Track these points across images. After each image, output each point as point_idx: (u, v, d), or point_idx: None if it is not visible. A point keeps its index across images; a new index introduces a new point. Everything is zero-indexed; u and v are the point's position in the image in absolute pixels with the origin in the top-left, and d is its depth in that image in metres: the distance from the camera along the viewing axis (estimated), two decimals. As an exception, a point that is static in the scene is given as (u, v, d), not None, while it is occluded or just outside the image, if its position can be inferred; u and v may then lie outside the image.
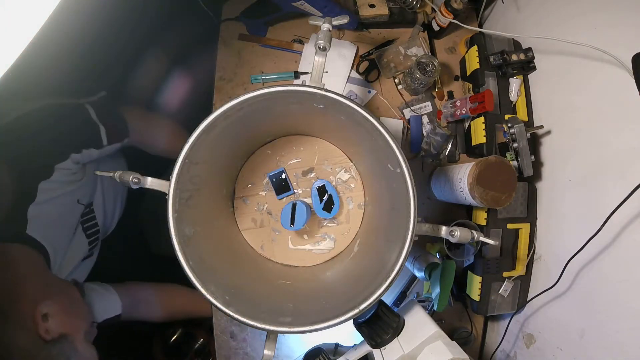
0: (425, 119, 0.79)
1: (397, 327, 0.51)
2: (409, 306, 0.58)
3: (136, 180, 0.43)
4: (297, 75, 0.80)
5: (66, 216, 0.67)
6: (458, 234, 0.44)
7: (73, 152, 0.63)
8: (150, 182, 0.43)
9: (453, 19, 0.73)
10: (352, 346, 0.67)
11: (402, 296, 0.79)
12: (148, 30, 0.85)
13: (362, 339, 0.54)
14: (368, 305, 0.44)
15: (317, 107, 0.49)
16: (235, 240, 0.65)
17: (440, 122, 0.79)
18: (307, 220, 0.60)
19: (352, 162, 0.67)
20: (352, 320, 0.45)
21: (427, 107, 0.79)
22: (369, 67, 0.81)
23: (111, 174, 0.44)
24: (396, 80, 0.81)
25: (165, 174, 0.44)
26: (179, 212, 0.45)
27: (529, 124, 0.72)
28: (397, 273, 0.45)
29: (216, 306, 0.44)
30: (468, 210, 0.77)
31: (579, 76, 0.63)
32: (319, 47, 0.47)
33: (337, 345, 0.68)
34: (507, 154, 0.70)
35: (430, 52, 0.82)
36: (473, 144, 0.74)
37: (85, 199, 0.71)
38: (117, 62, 0.84)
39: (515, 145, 0.68)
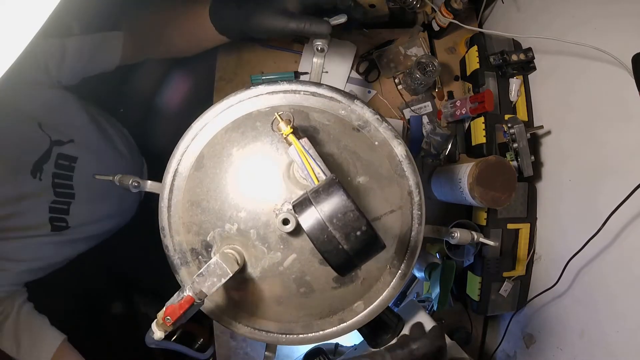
0: (425, 119, 0.79)
1: (397, 327, 0.51)
2: (409, 306, 0.58)
3: (135, 184, 0.42)
4: (297, 75, 0.79)
5: (10, 131, 0.52)
6: (458, 236, 0.45)
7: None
8: (150, 186, 0.43)
9: (453, 19, 0.72)
10: (352, 346, 0.68)
11: (402, 296, 0.79)
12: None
13: (362, 339, 0.55)
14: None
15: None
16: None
17: (440, 122, 0.79)
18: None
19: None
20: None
21: (427, 107, 0.79)
22: (369, 67, 0.81)
23: (110, 178, 0.43)
24: (396, 80, 0.81)
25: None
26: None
27: (529, 124, 0.72)
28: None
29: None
30: (468, 210, 0.77)
31: (579, 76, 0.63)
32: (317, 49, 0.47)
33: (337, 345, 0.68)
34: (507, 154, 0.70)
35: (430, 52, 0.82)
36: (473, 144, 0.74)
37: (56, 134, 0.58)
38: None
39: (515, 145, 0.68)
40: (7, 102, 0.52)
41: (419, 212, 0.42)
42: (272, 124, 0.40)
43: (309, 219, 0.26)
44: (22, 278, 0.60)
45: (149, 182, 0.43)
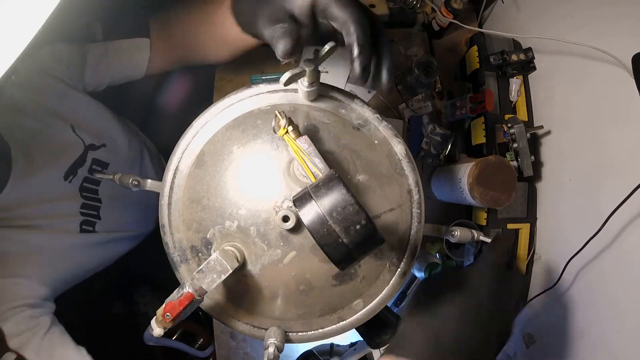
0: (425, 119, 0.79)
1: (396, 327, 0.51)
2: (409, 306, 0.58)
3: (136, 183, 0.42)
4: (297, 75, 0.80)
5: (45, 132, 0.52)
6: (458, 234, 0.44)
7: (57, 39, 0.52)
8: (150, 185, 0.43)
9: (453, 19, 0.73)
10: (348, 344, 0.68)
11: (402, 296, 0.79)
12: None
13: (359, 338, 0.55)
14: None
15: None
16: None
17: (440, 122, 0.79)
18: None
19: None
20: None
21: (427, 107, 0.79)
22: (369, 67, 0.81)
23: (111, 177, 0.42)
24: (396, 80, 0.81)
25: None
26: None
27: (529, 124, 0.72)
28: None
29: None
30: (468, 210, 0.77)
31: (579, 76, 0.63)
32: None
33: (332, 345, 0.68)
34: (507, 154, 0.70)
35: (430, 52, 0.82)
36: (473, 144, 0.74)
37: (89, 137, 0.57)
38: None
39: (515, 145, 0.68)
40: (37, 103, 0.51)
41: (419, 211, 0.42)
42: (273, 127, 0.40)
43: (309, 213, 0.26)
44: (49, 285, 0.55)
45: (149, 180, 0.43)
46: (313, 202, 0.26)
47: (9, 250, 0.50)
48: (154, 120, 0.93)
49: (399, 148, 0.42)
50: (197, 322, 0.89)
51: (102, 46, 0.57)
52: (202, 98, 0.83)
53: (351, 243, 0.26)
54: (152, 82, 0.91)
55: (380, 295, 0.42)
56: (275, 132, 0.36)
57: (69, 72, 0.55)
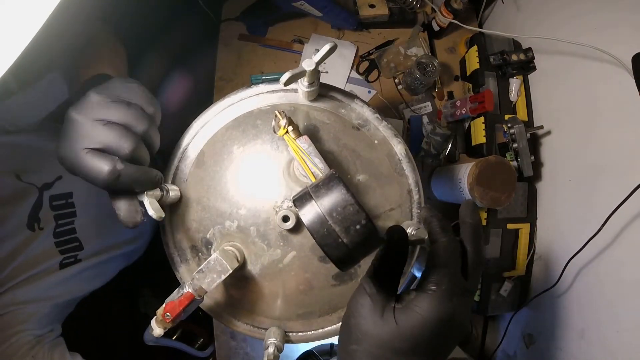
0: (425, 119, 0.79)
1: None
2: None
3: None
4: (297, 75, 0.80)
5: None
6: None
7: None
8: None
9: (453, 19, 0.73)
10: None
11: (402, 296, 0.78)
12: (148, 31, 0.85)
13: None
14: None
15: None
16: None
17: (440, 122, 0.79)
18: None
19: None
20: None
21: (427, 107, 0.79)
22: (369, 67, 0.81)
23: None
24: (396, 80, 0.81)
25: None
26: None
27: (529, 124, 0.72)
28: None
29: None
30: (468, 210, 0.77)
31: (579, 76, 0.63)
32: None
33: (332, 345, 0.68)
34: (507, 154, 0.70)
35: (430, 52, 0.82)
36: (473, 144, 0.74)
37: (40, 178, 0.54)
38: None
39: (515, 145, 0.68)
40: None
41: (419, 211, 0.42)
42: (272, 127, 0.40)
43: (309, 212, 0.26)
44: (44, 325, 0.56)
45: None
46: (313, 202, 0.26)
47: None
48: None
49: (399, 148, 0.42)
50: (197, 322, 0.89)
51: (21, 97, 0.54)
52: (201, 98, 0.83)
53: (351, 243, 0.26)
54: (151, 82, 0.91)
55: None
56: (275, 132, 0.36)
57: None
